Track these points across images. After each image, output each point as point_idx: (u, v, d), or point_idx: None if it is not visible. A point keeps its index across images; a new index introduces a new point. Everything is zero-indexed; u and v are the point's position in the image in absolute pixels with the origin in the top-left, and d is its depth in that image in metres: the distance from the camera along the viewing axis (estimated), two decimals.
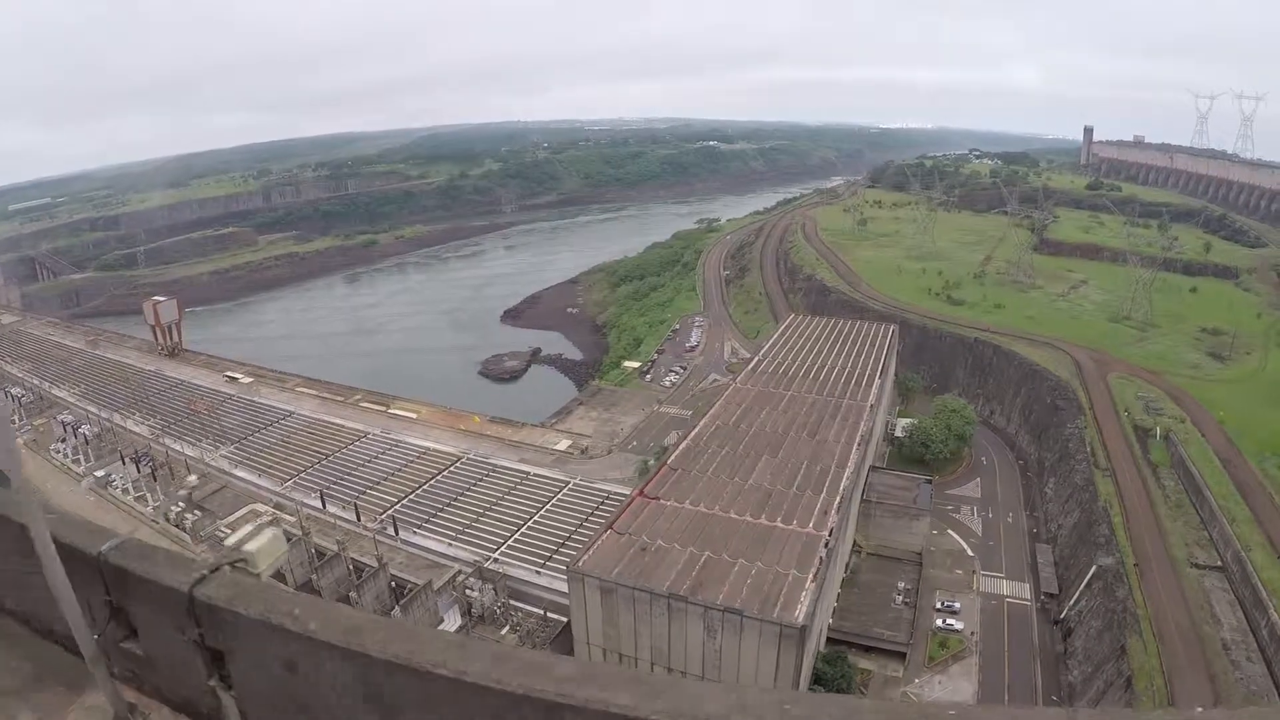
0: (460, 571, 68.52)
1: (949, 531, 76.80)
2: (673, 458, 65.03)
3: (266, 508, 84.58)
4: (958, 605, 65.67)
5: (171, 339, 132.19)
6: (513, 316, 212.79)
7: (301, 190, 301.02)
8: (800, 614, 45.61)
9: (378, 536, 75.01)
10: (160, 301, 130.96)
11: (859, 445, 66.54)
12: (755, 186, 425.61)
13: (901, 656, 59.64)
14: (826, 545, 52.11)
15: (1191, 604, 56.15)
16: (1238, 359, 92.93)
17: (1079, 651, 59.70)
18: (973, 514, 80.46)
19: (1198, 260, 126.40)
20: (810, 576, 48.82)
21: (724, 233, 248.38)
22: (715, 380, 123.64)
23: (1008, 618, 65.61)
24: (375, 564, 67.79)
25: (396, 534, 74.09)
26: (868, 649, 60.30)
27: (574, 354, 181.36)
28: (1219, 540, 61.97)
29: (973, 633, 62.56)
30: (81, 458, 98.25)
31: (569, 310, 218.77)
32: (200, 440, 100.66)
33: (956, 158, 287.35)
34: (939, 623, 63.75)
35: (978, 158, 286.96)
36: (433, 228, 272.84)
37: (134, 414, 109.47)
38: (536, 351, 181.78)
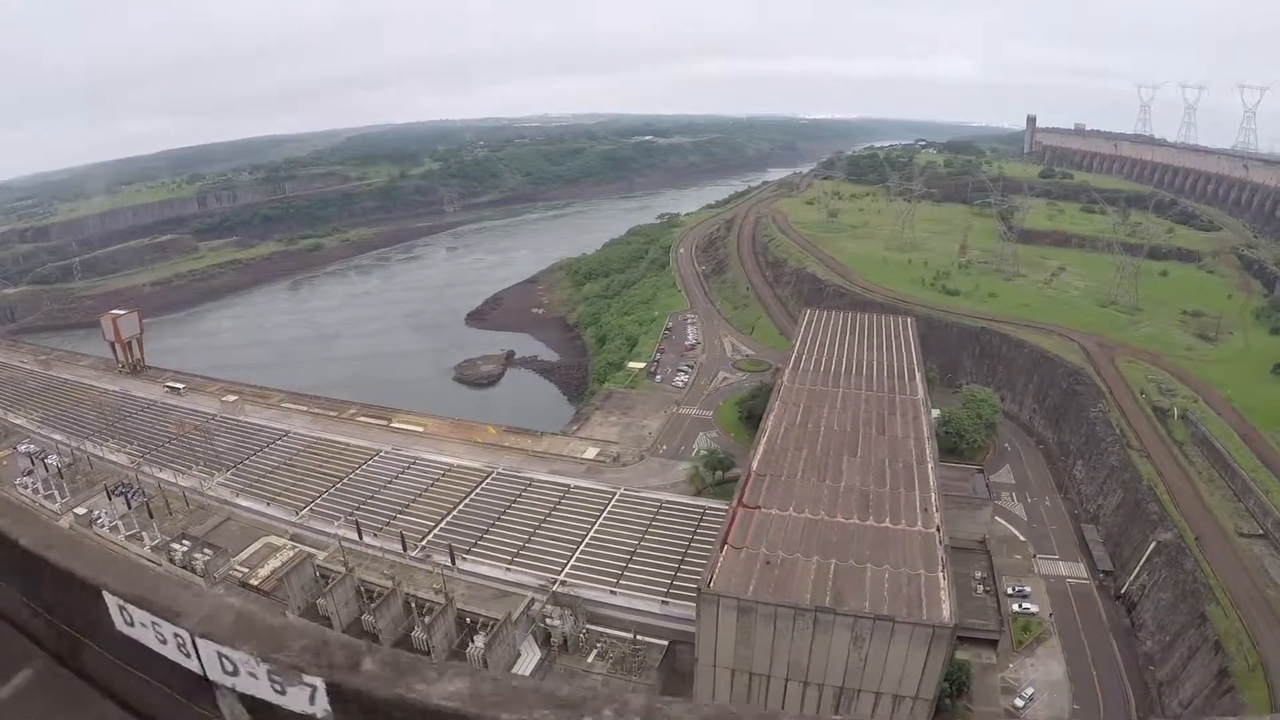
0: (533, 599, 67.17)
1: (996, 518, 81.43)
2: (756, 463, 66.30)
3: (283, 540, 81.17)
4: (1028, 589, 69.99)
5: (133, 355, 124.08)
6: (477, 319, 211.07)
7: (238, 194, 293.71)
8: (947, 613, 47.96)
9: (428, 566, 72.58)
10: (120, 315, 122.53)
11: (930, 439, 69.79)
12: (695, 180, 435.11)
13: (993, 644, 63.17)
14: (942, 542, 54.76)
15: (1250, 571, 62.10)
16: (1224, 339, 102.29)
17: (1149, 623, 64.93)
18: (1013, 499, 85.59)
19: (1161, 245, 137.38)
20: (942, 574, 51.28)
21: (685, 228, 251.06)
22: (725, 379, 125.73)
23: (1073, 597, 70.53)
24: (440, 599, 65.30)
25: (454, 563, 70.84)
26: (961, 639, 63.43)
27: (548, 355, 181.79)
28: (1257, 510, 68.59)
29: (1050, 614, 66.94)
30: (56, 493, 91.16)
31: (534, 310, 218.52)
32: (191, 467, 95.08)
33: (904, 148, 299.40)
34: (1015, 607, 67.80)
35: (923, 147, 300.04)
36: (378, 230, 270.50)
37: (107, 440, 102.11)
38: (511, 354, 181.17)
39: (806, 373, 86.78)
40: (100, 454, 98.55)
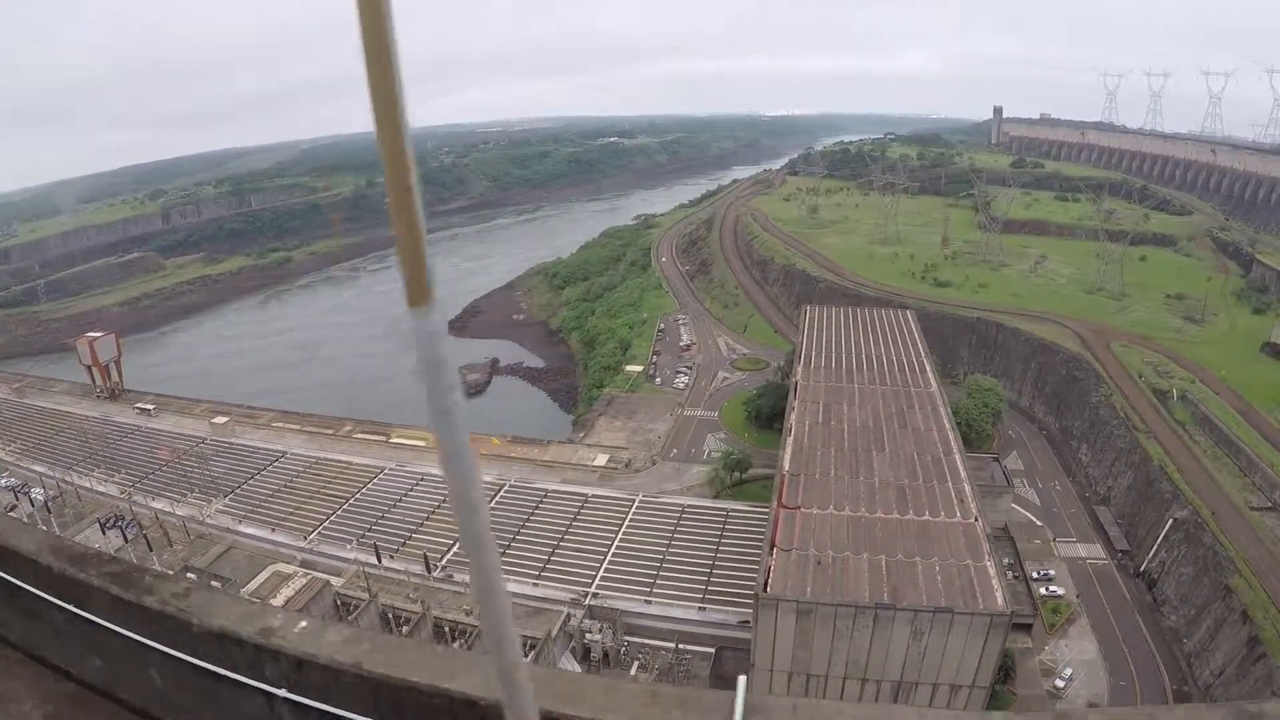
0: (568, 614, 67.16)
1: (1013, 505, 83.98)
2: (788, 463, 67.36)
3: (292, 567, 79.27)
4: (1052, 573, 72.40)
5: (111, 379, 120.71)
6: (458, 328, 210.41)
7: (203, 209, 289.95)
8: (1001, 600, 49.55)
9: (455, 587, 72.07)
10: (96, 338, 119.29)
11: (953, 430, 71.74)
12: (662, 180, 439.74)
13: (1027, 628, 65.22)
14: (984, 532, 56.47)
15: (1266, 543, 65.24)
16: (1210, 321, 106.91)
17: (1172, 598, 67.80)
18: (1024, 485, 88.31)
19: (1138, 230, 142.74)
20: (989, 564, 52.91)
21: (662, 228, 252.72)
22: (726, 379, 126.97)
23: (1095, 578, 73.19)
24: (474, 620, 64.87)
25: None
26: None
27: (534, 362, 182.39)
28: (1264, 484, 72.01)
29: (1079, 595, 69.39)
30: (44, 528, 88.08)
31: (515, 317, 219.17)
32: (187, 495, 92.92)
33: (875, 142, 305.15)
34: (1042, 591, 70.14)
35: (892, 140, 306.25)
36: (347, 241, 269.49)
37: (93, 470, 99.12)
38: (495, 362, 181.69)
39: (819, 370, 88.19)
40: (87, 485, 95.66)
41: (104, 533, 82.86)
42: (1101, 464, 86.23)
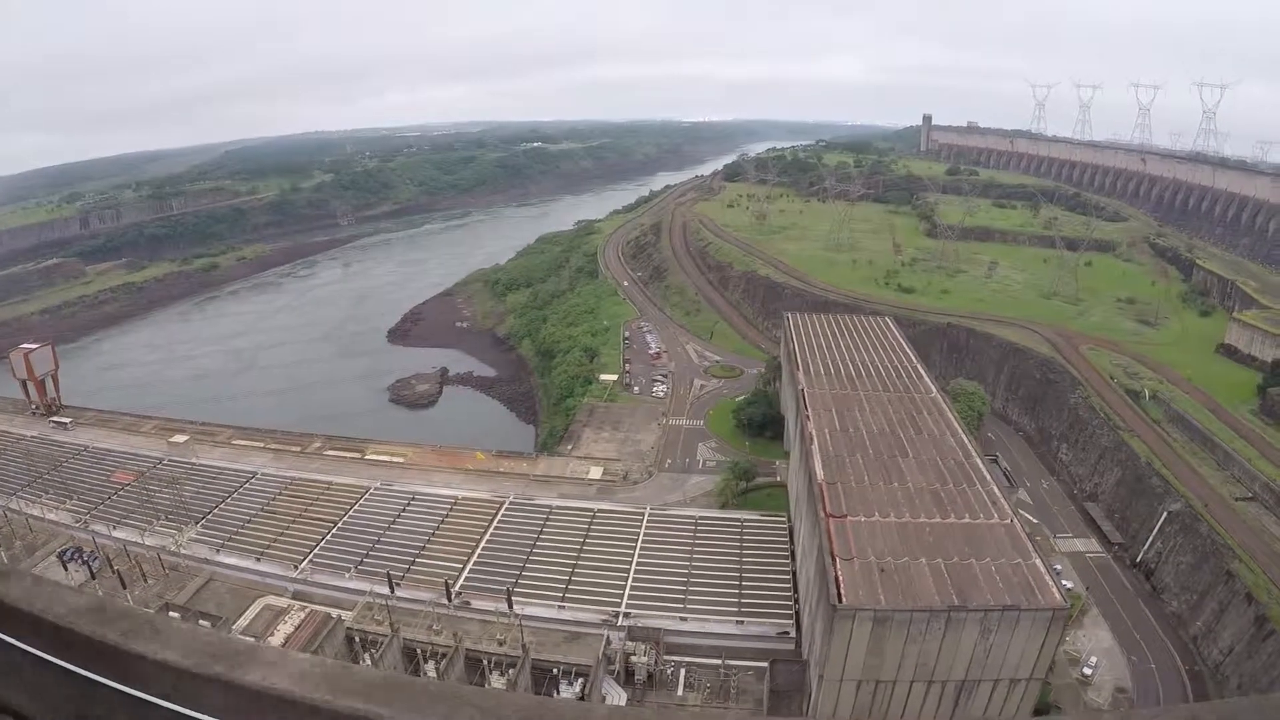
0: (608, 637, 65.77)
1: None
2: (820, 471, 69.03)
3: (285, 600, 75.16)
4: (1059, 567, 77.22)
5: (47, 395, 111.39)
6: (400, 336, 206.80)
7: (123, 213, 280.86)
8: (1059, 595, 52.67)
9: (488, 615, 69.23)
10: (32, 349, 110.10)
11: (966, 434, 75.54)
12: (588, 185, 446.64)
13: None
14: (1025, 531, 59.82)
15: (1255, 530, 72.11)
16: (1163, 324, 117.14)
17: (1171, 585, 73.71)
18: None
19: (1080, 237, 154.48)
20: (1038, 561, 56.11)
21: (604, 234, 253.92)
22: (703, 386, 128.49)
23: (1095, 570, 78.64)
24: (509, 650, 62.63)
25: (511, 608, 67.26)
26: None
27: (483, 371, 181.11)
28: (1243, 476, 79.53)
29: (1089, 587, 74.36)
30: None
31: (458, 325, 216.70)
32: (152, 522, 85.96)
33: (809, 149, 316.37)
34: None
35: (826, 147, 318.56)
36: (274, 246, 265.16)
37: (41, 496, 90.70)
38: (444, 372, 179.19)
39: (822, 377, 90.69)
40: (36, 513, 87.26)
41: (65, 568, 76.72)
42: (1085, 462, 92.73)
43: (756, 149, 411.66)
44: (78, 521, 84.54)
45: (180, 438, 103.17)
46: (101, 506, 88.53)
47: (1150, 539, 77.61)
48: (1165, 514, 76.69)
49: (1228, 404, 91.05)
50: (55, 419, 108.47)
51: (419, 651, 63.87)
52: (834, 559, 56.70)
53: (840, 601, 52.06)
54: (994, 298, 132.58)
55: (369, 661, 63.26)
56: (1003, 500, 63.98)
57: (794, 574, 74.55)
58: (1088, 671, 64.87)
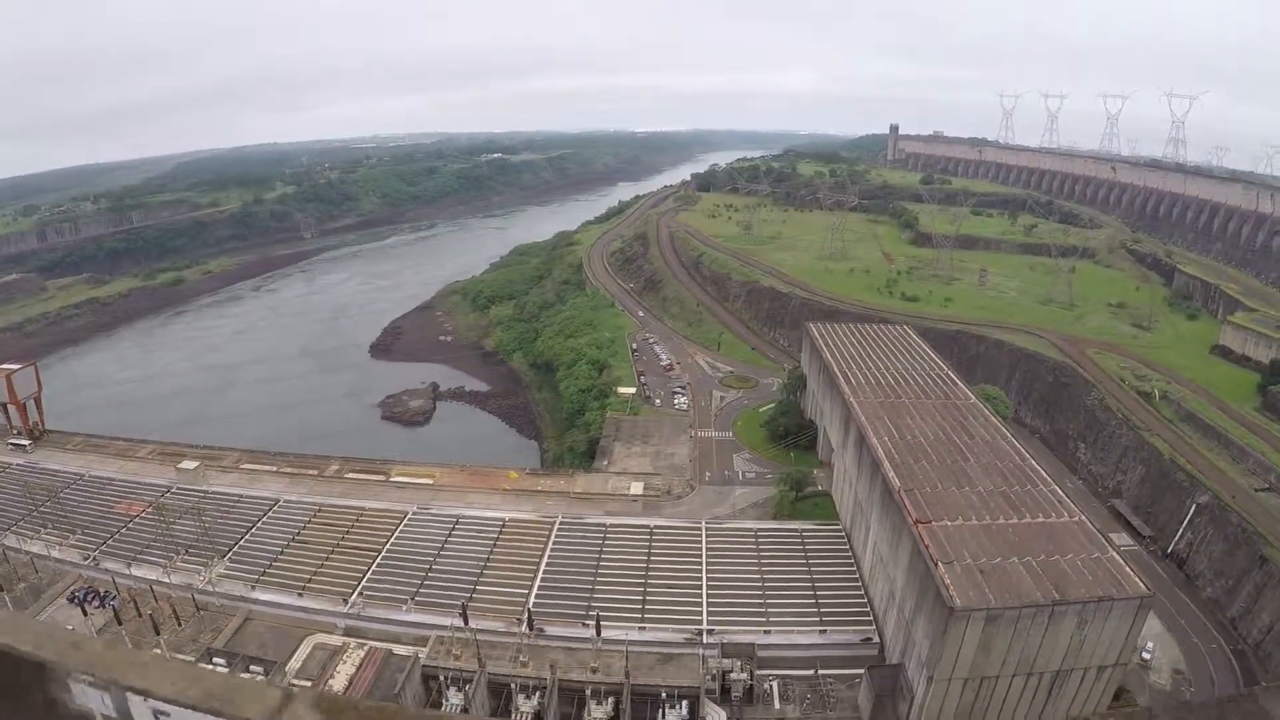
0: (704, 656, 66.27)
1: None
2: (894, 479, 73.72)
3: (338, 638, 71.88)
4: None
5: (30, 419, 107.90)
6: (383, 351, 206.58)
7: (81, 226, 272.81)
8: (1144, 585, 58.47)
9: (584, 644, 68.54)
10: (14, 370, 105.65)
11: (1014, 438, 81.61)
12: (551, 196, 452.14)
13: None
14: (1096, 526, 65.74)
15: (1277, 517, 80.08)
16: (1156, 327, 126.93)
17: (1205, 573, 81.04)
18: None
19: (1061, 244, 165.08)
20: (1115, 553, 61.97)
21: (583, 245, 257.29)
22: (723, 398, 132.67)
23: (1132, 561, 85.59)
24: (605, 677, 63.05)
25: (599, 634, 66.51)
26: None
27: (474, 385, 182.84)
28: (1258, 469, 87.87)
29: None
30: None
31: (442, 339, 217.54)
32: (173, 558, 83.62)
33: (777, 158, 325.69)
34: None
35: (796, 158, 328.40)
36: (239, 259, 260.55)
37: (39, 531, 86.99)
38: (436, 387, 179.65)
39: (864, 386, 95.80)
40: (39, 550, 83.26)
41: (83, 610, 71.36)
42: (1106, 461, 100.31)
43: (713, 158, 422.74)
44: (86, 559, 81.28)
45: (190, 464, 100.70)
46: (111, 541, 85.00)
47: (1180, 530, 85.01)
48: (1194, 506, 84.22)
49: (1231, 402, 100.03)
50: (13, 441, 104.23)
51: (512, 686, 63.45)
52: (935, 563, 61.33)
53: (956, 604, 56.64)
54: (994, 305, 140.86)
55: (460, 701, 62.66)
56: (1068, 499, 69.90)
57: (861, 580, 78.95)
58: (1146, 656, 71.11)
